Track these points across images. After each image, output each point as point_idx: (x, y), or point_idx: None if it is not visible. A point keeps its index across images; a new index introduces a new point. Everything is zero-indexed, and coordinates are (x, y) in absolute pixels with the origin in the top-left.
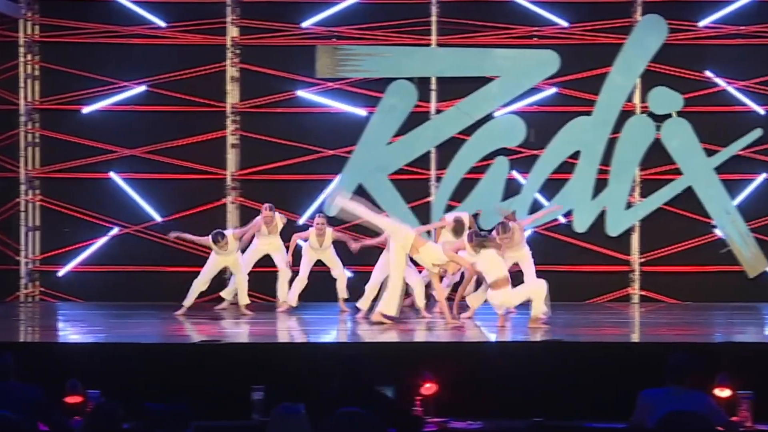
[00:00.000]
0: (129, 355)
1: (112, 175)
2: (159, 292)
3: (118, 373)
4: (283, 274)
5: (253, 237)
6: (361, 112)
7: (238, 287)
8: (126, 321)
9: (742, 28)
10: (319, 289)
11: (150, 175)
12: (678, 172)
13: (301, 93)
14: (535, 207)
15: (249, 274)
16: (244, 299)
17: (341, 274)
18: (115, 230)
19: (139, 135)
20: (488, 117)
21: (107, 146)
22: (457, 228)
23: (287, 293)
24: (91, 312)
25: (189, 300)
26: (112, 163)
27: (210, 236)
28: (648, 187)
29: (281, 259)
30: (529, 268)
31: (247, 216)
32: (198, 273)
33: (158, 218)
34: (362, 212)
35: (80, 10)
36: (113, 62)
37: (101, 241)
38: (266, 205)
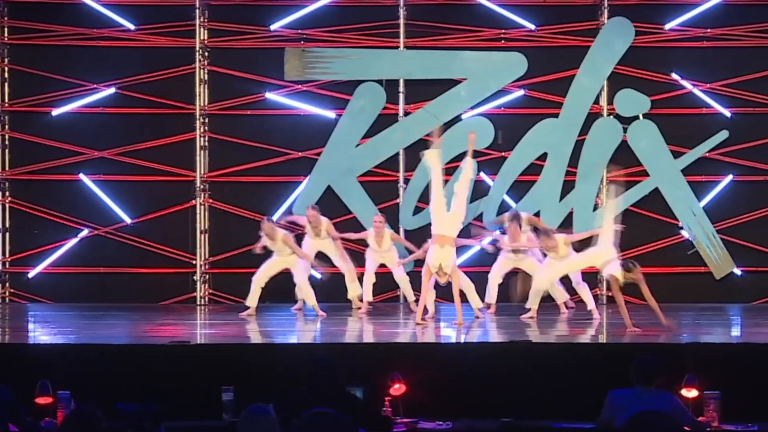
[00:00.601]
0: (99, 356)
1: (82, 176)
2: (129, 293)
3: (89, 374)
4: (348, 272)
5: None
6: (330, 114)
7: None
8: (96, 322)
9: (708, 30)
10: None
11: (119, 176)
12: (645, 173)
13: (269, 95)
14: (503, 208)
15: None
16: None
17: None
18: (85, 232)
19: (108, 137)
20: (456, 119)
21: (77, 148)
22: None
23: (358, 292)
24: (62, 313)
25: (252, 300)
26: (81, 164)
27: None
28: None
29: (337, 260)
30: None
31: (216, 218)
32: (164, 274)
33: (128, 220)
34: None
35: (49, 13)
36: (83, 64)
37: (71, 243)
38: (310, 205)
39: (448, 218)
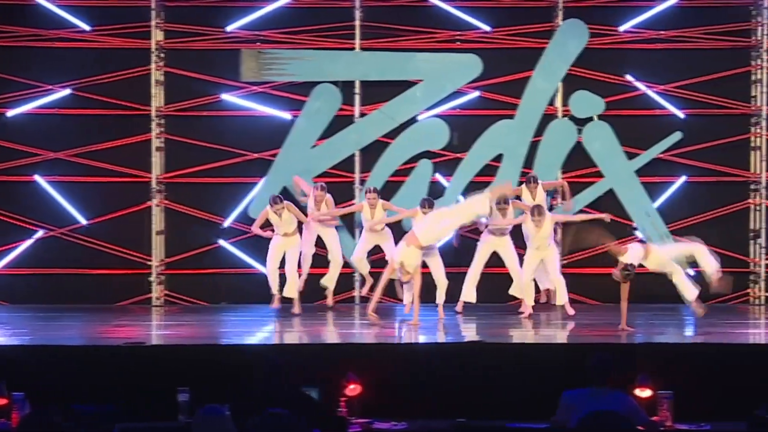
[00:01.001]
0: (55, 357)
1: (37, 178)
2: (84, 294)
3: (44, 375)
4: (335, 266)
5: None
6: (286, 115)
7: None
8: (51, 323)
9: (662, 32)
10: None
11: (75, 178)
12: (599, 174)
13: (225, 96)
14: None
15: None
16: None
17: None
18: (40, 233)
19: (64, 138)
20: (412, 120)
21: (32, 149)
22: None
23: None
24: (17, 314)
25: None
26: (37, 166)
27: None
28: (570, 190)
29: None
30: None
31: (172, 219)
32: (119, 275)
33: (83, 221)
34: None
35: (4, 14)
36: (38, 65)
37: (26, 244)
38: (318, 184)
39: (433, 231)
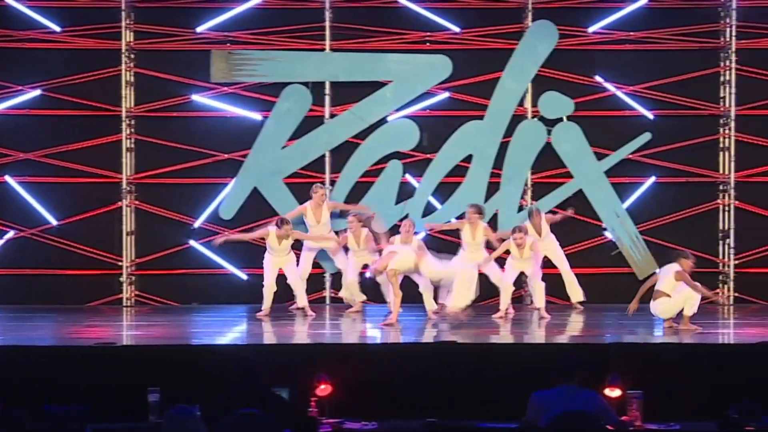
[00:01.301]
0: (25, 357)
1: (8, 178)
2: (55, 294)
3: (14, 375)
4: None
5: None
6: (256, 116)
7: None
8: (22, 323)
9: (630, 33)
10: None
11: (46, 178)
12: (569, 175)
13: (196, 97)
14: (429, 210)
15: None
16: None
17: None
18: (11, 233)
19: (34, 139)
20: (382, 121)
21: (2, 150)
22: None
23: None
24: None
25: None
26: (7, 166)
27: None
28: (540, 190)
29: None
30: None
31: (142, 219)
32: (90, 275)
33: (54, 221)
34: None
35: None
36: (8, 66)
37: None
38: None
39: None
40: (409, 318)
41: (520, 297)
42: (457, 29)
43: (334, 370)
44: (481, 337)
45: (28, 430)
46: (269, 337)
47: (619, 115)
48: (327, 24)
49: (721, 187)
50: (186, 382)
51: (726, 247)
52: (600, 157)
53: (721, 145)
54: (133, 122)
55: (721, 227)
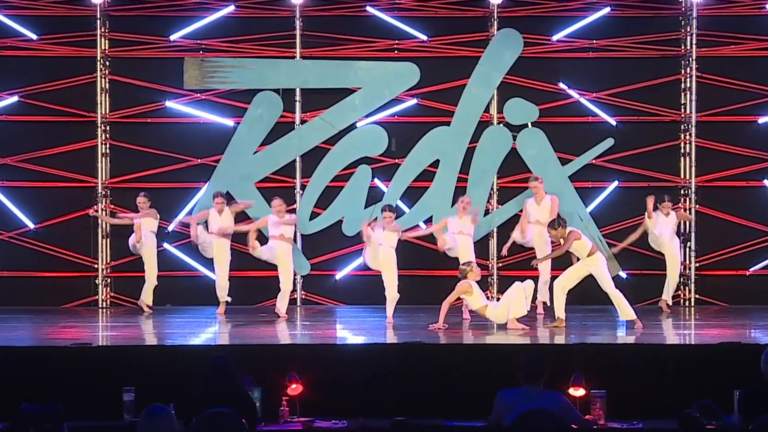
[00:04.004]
0: (2, 357)
1: None
2: (32, 296)
3: None
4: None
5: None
6: (228, 122)
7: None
8: (0, 325)
9: (593, 42)
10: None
11: (23, 183)
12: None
13: (169, 104)
14: (397, 213)
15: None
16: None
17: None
18: None
19: (11, 144)
20: (351, 127)
21: None
22: None
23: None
24: None
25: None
26: None
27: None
28: (505, 195)
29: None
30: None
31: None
32: (66, 278)
33: (31, 225)
34: None
35: None
36: None
37: None
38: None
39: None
40: (377, 319)
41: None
42: (424, 37)
43: (304, 370)
44: (448, 338)
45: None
46: (241, 337)
47: (583, 121)
48: (297, 32)
49: (682, 192)
50: (160, 381)
51: (687, 250)
52: (564, 162)
53: (682, 151)
54: (108, 128)
55: (682, 231)
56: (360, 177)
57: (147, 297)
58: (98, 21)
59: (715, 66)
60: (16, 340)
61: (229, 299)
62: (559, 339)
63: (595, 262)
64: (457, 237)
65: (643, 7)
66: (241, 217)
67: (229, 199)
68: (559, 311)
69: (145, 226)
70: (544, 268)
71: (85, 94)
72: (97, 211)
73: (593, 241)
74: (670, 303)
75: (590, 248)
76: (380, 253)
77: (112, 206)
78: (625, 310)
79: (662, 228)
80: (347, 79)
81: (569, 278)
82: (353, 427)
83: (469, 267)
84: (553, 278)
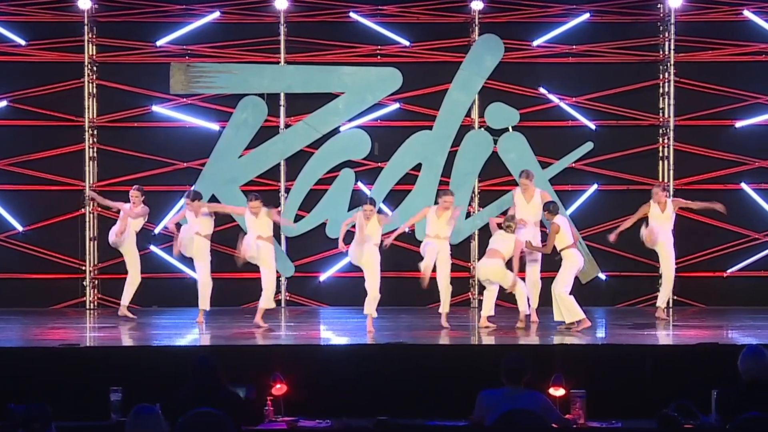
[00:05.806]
0: None
1: None
2: (20, 298)
3: None
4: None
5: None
6: (214, 126)
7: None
8: None
9: (573, 47)
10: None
11: (11, 186)
12: (514, 183)
13: (156, 108)
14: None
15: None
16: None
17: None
18: None
19: (0, 148)
20: (334, 131)
21: None
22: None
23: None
24: None
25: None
26: None
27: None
28: (486, 198)
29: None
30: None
31: (105, 225)
32: (54, 279)
33: (19, 228)
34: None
35: None
36: None
37: None
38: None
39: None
40: (361, 320)
41: (468, 300)
42: (407, 43)
43: (288, 370)
44: (430, 339)
45: None
46: (226, 338)
47: (563, 125)
48: (282, 38)
49: None
50: (147, 381)
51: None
52: (544, 165)
53: (661, 154)
54: (95, 132)
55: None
56: (343, 180)
57: (127, 300)
58: (86, 27)
59: (693, 71)
60: (4, 341)
61: (207, 308)
62: (536, 340)
63: (567, 256)
64: (434, 242)
65: (622, 13)
66: (223, 220)
67: (198, 197)
68: (577, 314)
69: (132, 225)
70: (532, 268)
71: (72, 98)
72: (94, 191)
73: (575, 240)
74: (663, 307)
75: (568, 243)
76: (364, 251)
77: (100, 209)
78: (562, 311)
79: (659, 226)
80: (331, 84)
81: (564, 281)
82: (337, 426)
83: (514, 223)
84: (544, 279)
